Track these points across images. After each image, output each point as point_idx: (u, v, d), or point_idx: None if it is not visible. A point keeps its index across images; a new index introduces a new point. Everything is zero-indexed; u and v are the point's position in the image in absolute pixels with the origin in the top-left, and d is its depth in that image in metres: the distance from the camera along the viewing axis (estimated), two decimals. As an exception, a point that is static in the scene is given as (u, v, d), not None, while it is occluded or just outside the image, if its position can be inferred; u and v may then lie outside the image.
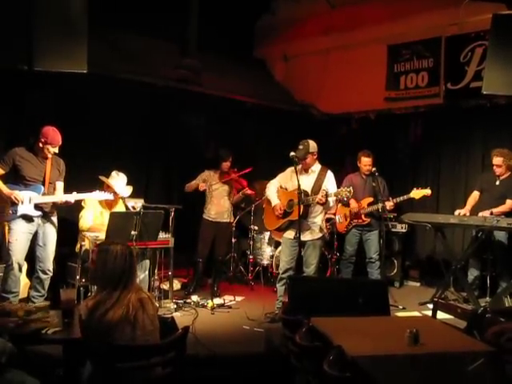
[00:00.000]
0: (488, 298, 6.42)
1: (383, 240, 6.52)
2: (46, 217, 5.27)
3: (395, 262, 7.71)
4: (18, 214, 5.06)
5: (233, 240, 7.55)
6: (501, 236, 6.42)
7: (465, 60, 7.48)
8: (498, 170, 6.42)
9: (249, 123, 8.75)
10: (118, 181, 5.74)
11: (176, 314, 5.61)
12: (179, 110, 7.94)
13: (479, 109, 7.40)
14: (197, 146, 8.06)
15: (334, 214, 7.13)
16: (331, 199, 5.44)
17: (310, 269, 5.60)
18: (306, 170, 5.65)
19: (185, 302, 6.14)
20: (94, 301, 2.91)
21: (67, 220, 5.86)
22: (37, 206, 5.15)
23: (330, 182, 5.64)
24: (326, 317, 3.20)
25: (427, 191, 6.53)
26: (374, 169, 6.63)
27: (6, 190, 5.03)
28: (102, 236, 5.28)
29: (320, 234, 5.67)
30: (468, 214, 6.46)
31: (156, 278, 6.01)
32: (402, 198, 6.60)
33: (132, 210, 5.59)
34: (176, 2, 7.87)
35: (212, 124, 8.27)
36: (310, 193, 5.51)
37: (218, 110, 8.19)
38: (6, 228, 5.19)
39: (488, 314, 3.20)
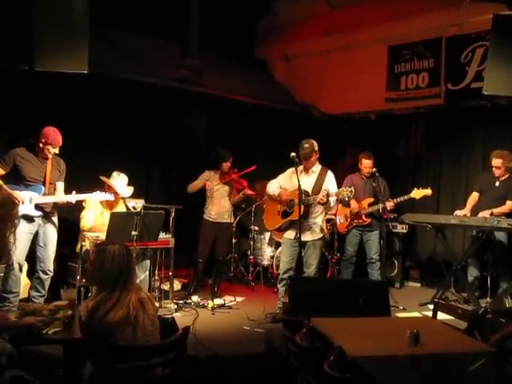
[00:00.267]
0: (488, 299, 6.42)
1: (384, 240, 6.51)
2: (46, 217, 5.27)
3: (396, 262, 7.70)
4: (19, 214, 5.06)
5: (233, 240, 7.54)
6: (501, 236, 6.42)
7: (465, 60, 7.48)
8: (497, 172, 6.43)
9: (249, 123, 8.75)
10: (119, 181, 5.74)
11: (176, 315, 5.61)
12: (180, 110, 7.93)
13: (480, 109, 7.40)
14: (197, 147, 8.05)
15: (335, 215, 7.12)
16: (332, 199, 5.44)
17: (311, 269, 5.59)
18: (306, 171, 5.65)
19: (185, 303, 6.14)
20: (93, 302, 2.90)
21: (68, 220, 5.86)
22: (37, 206, 5.15)
23: (330, 182, 5.65)
24: (327, 317, 3.20)
25: (428, 191, 6.53)
26: (374, 169, 6.63)
27: (6, 190, 5.03)
28: (103, 236, 5.29)
29: (320, 235, 5.67)
30: (468, 214, 6.46)
31: (156, 278, 6.01)
32: (402, 198, 6.61)
33: (132, 210, 5.60)
34: (177, 2, 7.86)
35: (212, 124, 8.27)
36: (310, 193, 5.51)
37: (219, 110, 8.19)
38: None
39: (488, 315, 3.19)
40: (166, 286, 6.28)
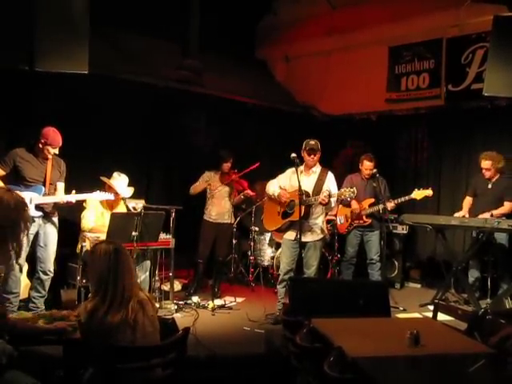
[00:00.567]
0: (489, 300, 6.42)
1: (384, 241, 6.52)
2: (46, 217, 5.27)
3: (396, 263, 7.70)
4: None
5: (233, 241, 7.54)
6: (501, 238, 6.43)
7: (466, 62, 7.48)
8: (487, 174, 6.45)
9: (249, 124, 8.75)
10: (120, 182, 5.74)
11: (177, 315, 5.62)
12: (180, 110, 7.93)
13: (480, 110, 7.40)
14: (197, 147, 8.06)
15: (335, 215, 7.12)
16: (333, 200, 5.45)
17: (311, 270, 5.59)
18: (307, 171, 5.65)
19: (185, 303, 6.15)
20: (92, 303, 2.89)
21: (68, 220, 5.86)
22: (37, 207, 5.15)
23: (331, 183, 5.65)
24: (327, 318, 3.20)
25: (429, 192, 6.53)
26: (374, 170, 6.63)
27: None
28: (103, 237, 5.28)
29: (321, 235, 5.67)
30: (467, 216, 6.47)
31: (157, 278, 6.01)
32: (403, 199, 6.60)
33: (133, 210, 5.60)
34: (177, 2, 7.88)
35: (213, 124, 8.27)
36: (311, 194, 5.51)
37: (219, 110, 8.19)
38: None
39: (489, 316, 3.19)
40: (166, 287, 6.27)
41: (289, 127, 8.65)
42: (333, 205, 5.62)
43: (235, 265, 7.67)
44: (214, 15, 8.31)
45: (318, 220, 5.66)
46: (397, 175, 8.33)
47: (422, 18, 7.73)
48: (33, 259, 5.35)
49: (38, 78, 5.70)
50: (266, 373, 4.13)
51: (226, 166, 6.86)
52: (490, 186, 6.51)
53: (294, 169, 5.45)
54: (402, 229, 7.71)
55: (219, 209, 6.90)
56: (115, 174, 5.78)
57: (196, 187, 6.90)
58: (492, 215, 6.15)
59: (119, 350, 2.76)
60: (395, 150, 8.55)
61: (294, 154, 5.34)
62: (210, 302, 6.06)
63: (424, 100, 8.05)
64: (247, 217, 7.72)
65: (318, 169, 5.70)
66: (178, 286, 6.82)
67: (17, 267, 5.06)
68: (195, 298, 6.22)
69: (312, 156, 5.55)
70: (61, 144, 5.23)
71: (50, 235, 5.32)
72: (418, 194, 6.53)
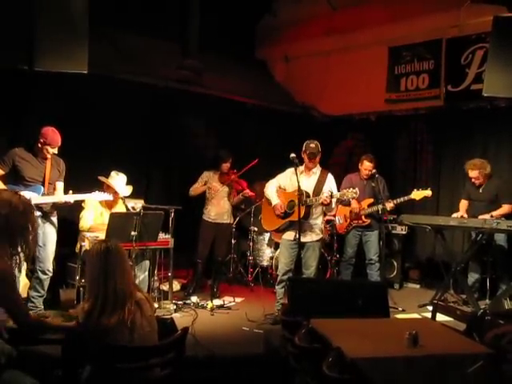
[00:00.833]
0: (488, 301, 6.43)
1: (383, 241, 6.52)
2: (45, 217, 5.26)
3: (395, 263, 7.70)
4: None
5: (232, 241, 7.55)
6: (500, 239, 6.44)
7: (465, 62, 7.49)
8: (477, 182, 6.53)
9: (249, 124, 8.75)
10: (118, 181, 5.73)
11: (175, 315, 5.61)
12: (180, 110, 7.93)
13: (479, 111, 7.40)
14: (197, 147, 8.06)
15: (334, 216, 7.12)
16: (333, 200, 5.45)
17: (310, 270, 5.59)
18: (307, 172, 5.64)
19: (184, 303, 6.15)
20: (88, 303, 2.88)
21: (67, 220, 5.86)
22: (37, 207, 5.12)
23: (331, 183, 5.66)
24: (326, 318, 3.20)
25: (428, 192, 6.53)
26: (374, 170, 6.63)
27: (5, 190, 5.03)
28: (102, 236, 5.27)
29: (320, 236, 5.67)
30: (466, 216, 6.48)
31: (156, 278, 6.00)
32: (402, 199, 6.60)
33: (132, 210, 5.59)
34: (177, 2, 7.88)
35: (212, 124, 8.27)
36: (311, 194, 5.51)
37: (219, 110, 8.18)
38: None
39: (487, 317, 3.19)
40: (165, 287, 6.27)
41: (288, 127, 8.65)
42: (333, 206, 5.62)
43: (234, 265, 7.67)
44: (213, 15, 8.31)
45: (318, 220, 5.66)
46: (396, 175, 8.33)
47: (422, 18, 7.74)
48: (32, 259, 5.34)
49: (37, 78, 5.70)
50: (264, 373, 4.14)
51: (226, 165, 6.85)
52: (481, 191, 6.57)
53: (293, 169, 5.45)
54: (401, 229, 7.71)
55: (218, 209, 6.89)
56: (113, 173, 5.78)
57: (196, 189, 6.89)
58: (492, 216, 6.16)
59: (118, 349, 2.75)
60: (394, 151, 8.55)
61: (293, 155, 5.33)
62: (209, 302, 6.05)
63: (423, 100, 8.05)
64: (246, 217, 7.72)
65: (318, 170, 5.70)
66: (176, 285, 6.83)
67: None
68: (194, 298, 6.22)
69: (312, 160, 5.56)
70: (60, 144, 5.22)
71: (49, 235, 5.32)
72: (417, 195, 6.53)
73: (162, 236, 5.79)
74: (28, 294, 5.35)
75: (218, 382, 4.10)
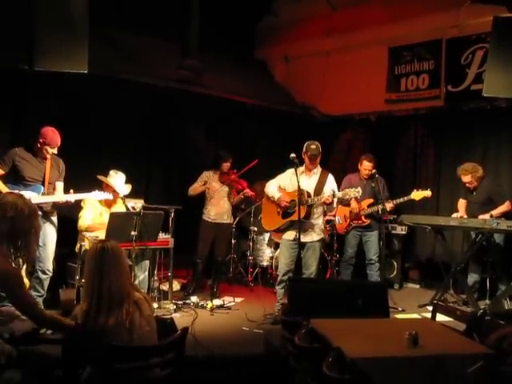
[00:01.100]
0: (487, 301, 6.42)
1: (383, 241, 6.51)
2: (45, 217, 5.26)
3: (395, 263, 7.70)
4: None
5: (232, 241, 7.55)
6: (500, 240, 6.44)
7: (465, 62, 7.49)
8: (471, 186, 6.54)
9: (249, 124, 8.74)
10: (117, 179, 5.72)
11: (175, 315, 5.61)
12: (180, 110, 7.93)
13: (480, 111, 7.40)
14: (197, 147, 8.05)
15: (334, 216, 7.12)
16: (335, 200, 5.46)
17: (310, 271, 5.59)
18: (308, 172, 5.64)
19: (184, 303, 6.14)
20: (86, 303, 2.88)
21: (67, 220, 5.85)
22: (36, 206, 5.14)
23: (332, 184, 5.66)
24: (326, 318, 3.20)
25: (428, 192, 6.53)
26: (374, 170, 6.63)
27: (5, 190, 5.03)
28: (102, 236, 5.27)
29: (320, 236, 5.68)
30: (465, 217, 6.49)
31: (155, 278, 5.99)
32: (402, 200, 6.60)
33: (132, 210, 5.59)
34: (177, 2, 7.88)
35: (212, 124, 8.27)
36: (312, 194, 5.51)
37: (219, 110, 8.18)
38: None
39: (487, 317, 3.19)
40: (165, 287, 6.27)
41: (288, 127, 8.65)
42: (334, 205, 5.63)
43: (234, 265, 7.67)
44: (213, 15, 8.31)
45: (319, 220, 5.67)
46: (396, 176, 8.33)
47: (422, 18, 7.73)
48: (32, 260, 5.34)
49: (37, 78, 5.70)
50: (264, 373, 4.13)
51: (226, 165, 6.85)
52: (474, 194, 6.59)
53: (293, 169, 5.45)
54: (401, 229, 7.72)
55: (218, 209, 6.89)
56: (112, 172, 5.77)
57: (195, 189, 6.89)
58: (491, 216, 6.16)
59: (118, 349, 2.75)
60: (395, 151, 8.54)
61: (293, 155, 5.33)
62: (209, 302, 6.05)
63: (423, 100, 8.05)
64: (246, 217, 7.72)
65: (318, 170, 5.70)
66: (176, 285, 6.82)
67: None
68: (194, 298, 6.22)
69: (313, 161, 5.56)
70: (59, 144, 5.23)
71: (49, 235, 5.32)
72: (416, 195, 6.54)
73: (161, 236, 5.78)
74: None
75: (218, 382, 4.10)
